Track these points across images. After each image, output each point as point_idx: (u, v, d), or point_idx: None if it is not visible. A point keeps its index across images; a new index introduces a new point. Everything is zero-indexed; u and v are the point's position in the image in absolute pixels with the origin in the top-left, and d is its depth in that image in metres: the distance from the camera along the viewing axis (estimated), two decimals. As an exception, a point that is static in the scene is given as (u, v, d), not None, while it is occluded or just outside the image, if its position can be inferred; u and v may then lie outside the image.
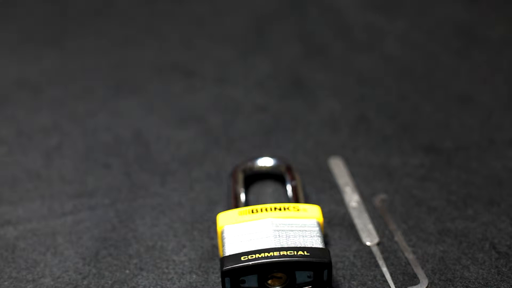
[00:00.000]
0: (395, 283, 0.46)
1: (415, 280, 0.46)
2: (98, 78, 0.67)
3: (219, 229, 0.47)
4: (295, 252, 0.44)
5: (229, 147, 0.58)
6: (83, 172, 0.56)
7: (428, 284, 0.46)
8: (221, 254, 0.46)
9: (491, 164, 0.55)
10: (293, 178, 0.52)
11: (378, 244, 0.49)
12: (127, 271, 0.48)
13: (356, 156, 0.57)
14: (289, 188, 0.52)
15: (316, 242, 0.45)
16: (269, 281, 0.44)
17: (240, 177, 0.53)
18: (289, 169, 0.53)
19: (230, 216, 0.47)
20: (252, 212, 0.47)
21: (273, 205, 0.47)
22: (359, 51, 0.70)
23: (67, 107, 0.63)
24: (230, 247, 0.45)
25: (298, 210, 0.47)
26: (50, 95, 0.65)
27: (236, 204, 0.50)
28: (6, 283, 0.47)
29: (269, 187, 0.54)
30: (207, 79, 0.66)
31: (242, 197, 0.51)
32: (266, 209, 0.47)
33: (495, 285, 0.46)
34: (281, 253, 0.44)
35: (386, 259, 0.48)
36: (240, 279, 0.44)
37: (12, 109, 0.63)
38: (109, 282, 0.47)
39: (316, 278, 0.44)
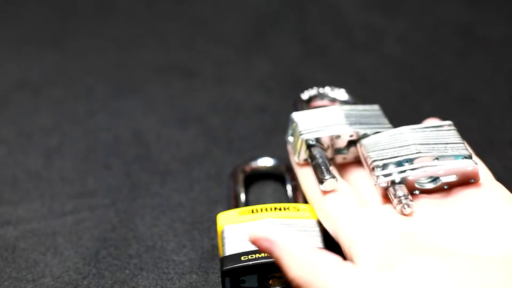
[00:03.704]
0: (395, 283, 0.46)
1: (415, 280, 0.46)
2: (98, 78, 0.67)
3: (219, 229, 0.47)
4: (295, 252, 0.44)
5: (229, 147, 0.58)
6: (83, 172, 0.56)
7: (428, 284, 0.46)
8: (221, 254, 0.46)
9: (491, 164, 0.55)
10: (293, 178, 0.52)
11: (378, 244, 0.49)
12: (127, 271, 0.48)
13: (356, 156, 0.56)
14: (289, 188, 0.52)
15: (316, 242, 0.45)
16: (269, 281, 0.44)
17: (240, 177, 0.53)
18: (289, 169, 0.53)
19: (230, 216, 0.47)
20: (252, 212, 0.47)
21: (273, 205, 0.47)
22: (359, 51, 0.69)
23: (67, 107, 0.63)
24: (230, 247, 0.45)
25: (298, 210, 0.47)
26: (50, 95, 0.65)
27: (236, 204, 0.50)
28: (6, 283, 0.47)
29: (269, 187, 0.54)
30: (207, 79, 0.66)
31: (242, 197, 0.51)
32: (266, 209, 0.47)
33: (495, 285, 0.46)
34: (281, 253, 0.44)
35: (386, 259, 0.48)
36: (240, 279, 0.44)
37: (12, 110, 0.63)
38: (109, 282, 0.47)
39: (316, 278, 0.44)
